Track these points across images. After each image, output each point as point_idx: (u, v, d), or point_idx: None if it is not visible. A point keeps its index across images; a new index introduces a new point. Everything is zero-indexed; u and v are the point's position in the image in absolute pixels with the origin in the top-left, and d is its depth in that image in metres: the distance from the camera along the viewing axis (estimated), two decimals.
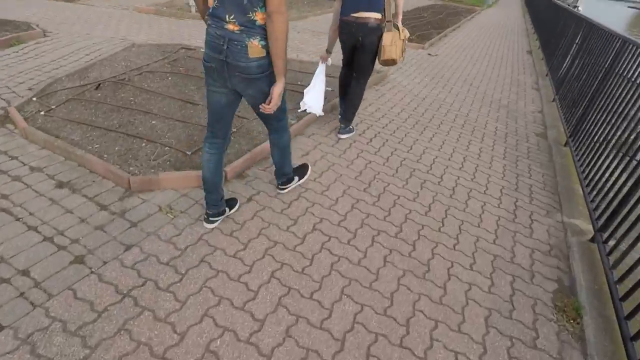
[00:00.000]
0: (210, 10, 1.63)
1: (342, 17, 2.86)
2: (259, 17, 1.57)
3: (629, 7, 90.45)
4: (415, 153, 3.34)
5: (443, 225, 2.47)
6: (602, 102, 3.29)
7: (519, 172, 3.32)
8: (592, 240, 2.50)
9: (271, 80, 1.72)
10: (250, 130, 3.13)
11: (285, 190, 2.49)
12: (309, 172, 2.62)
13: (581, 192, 3.05)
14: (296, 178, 2.50)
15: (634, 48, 3.06)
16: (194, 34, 6.31)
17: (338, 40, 3.06)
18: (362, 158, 3.12)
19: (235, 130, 3.06)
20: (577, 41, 5.33)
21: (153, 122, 3.05)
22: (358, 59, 3.01)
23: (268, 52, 1.65)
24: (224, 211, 2.15)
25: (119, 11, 7.34)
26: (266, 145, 2.86)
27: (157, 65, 4.26)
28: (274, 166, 2.40)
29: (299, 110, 3.20)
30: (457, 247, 2.31)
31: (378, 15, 2.77)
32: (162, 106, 3.34)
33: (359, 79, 3.11)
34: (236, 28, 1.59)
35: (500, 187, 3.02)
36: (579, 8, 34.28)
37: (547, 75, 6.72)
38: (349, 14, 2.80)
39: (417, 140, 3.59)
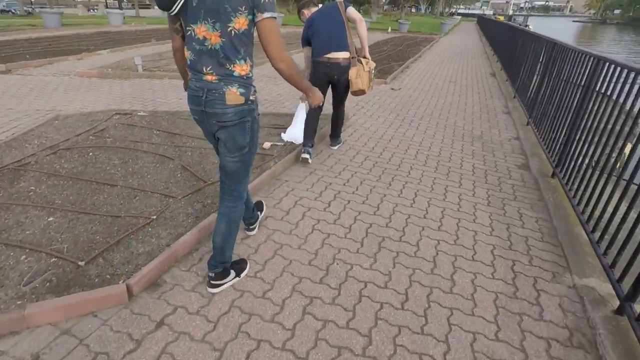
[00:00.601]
0: (189, 63, 1.61)
1: (315, 59, 3.24)
2: (237, 69, 1.57)
3: (573, 21, 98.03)
4: (383, 214, 2.77)
5: (427, 322, 1.85)
6: (589, 122, 2.85)
7: (508, 221, 2.78)
8: (619, 311, 1.93)
9: (246, 130, 1.68)
10: (174, 214, 2.52)
11: (217, 289, 1.93)
12: (247, 269, 2.10)
13: (585, 236, 2.52)
14: (232, 273, 1.98)
15: (611, 66, 2.68)
16: (137, 94, 5.81)
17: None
18: (319, 231, 2.53)
19: (154, 217, 2.44)
20: (541, 60, 5.06)
21: (50, 218, 2.40)
22: (336, 92, 3.48)
23: (247, 100, 1.62)
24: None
25: (58, 78, 6.82)
26: (192, 233, 2.26)
27: (79, 140, 3.67)
28: (212, 249, 1.92)
29: (282, 144, 3.61)
30: (448, 357, 1.68)
31: (346, 55, 3.19)
32: (69, 194, 2.70)
33: (339, 106, 3.61)
34: (214, 78, 1.57)
35: (490, 248, 2.45)
36: (529, 26, 36.40)
37: (514, 97, 6.46)
38: (321, 55, 3.19)
39: (384, 195, 3.04)
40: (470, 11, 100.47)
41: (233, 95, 1.57)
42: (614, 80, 2.61)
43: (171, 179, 2.99)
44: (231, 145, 1.68)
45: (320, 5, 3.36)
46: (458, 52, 13.71)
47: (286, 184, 3.13)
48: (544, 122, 4.08)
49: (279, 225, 2.55)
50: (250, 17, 1.49)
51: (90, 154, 3.37)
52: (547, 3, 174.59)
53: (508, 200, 3.09)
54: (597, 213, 2.39)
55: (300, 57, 4.24)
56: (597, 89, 2.88)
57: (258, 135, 1.79)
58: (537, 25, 52.87)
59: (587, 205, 2.56)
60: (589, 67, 3.09)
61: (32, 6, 27.35)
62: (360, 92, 3.28)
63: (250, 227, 2.37)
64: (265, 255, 2.24)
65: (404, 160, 3.76)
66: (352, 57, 3.18)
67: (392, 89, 6.88)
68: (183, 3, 1.46)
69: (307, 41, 3.28)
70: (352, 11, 3.18)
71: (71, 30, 13.97)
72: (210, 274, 1.88)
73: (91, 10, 34.46)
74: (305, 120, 3.46)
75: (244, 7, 1.45)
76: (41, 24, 14.78)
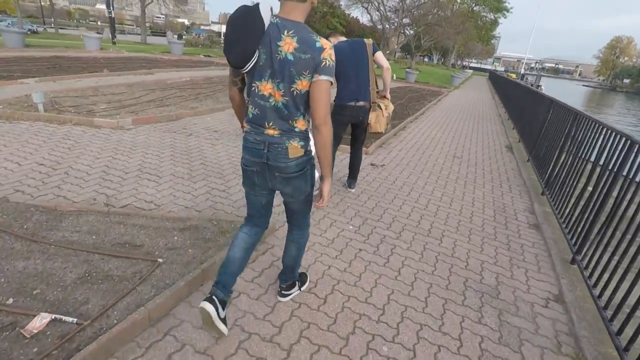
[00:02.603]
0: (250, 116, 1.65)
1: (342, 103, 3.35)
2: (299, 124, 1.63)
3: (583, 85, 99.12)
4: None
5: None
6: None
7: None
8: None
9: (307, 177, 1.76)
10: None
11: (287, 298, 2.21)
12: (307, 282, 2.36)
13: None
14: (297, 284, 2.25)
15: None
16: (17, 146, 3.98)
17: None
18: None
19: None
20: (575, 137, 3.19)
21: None
22: (357, 133, 3.67)
23: (306, 151, 1.69)
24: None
25: None
26: None
27: None
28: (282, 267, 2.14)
29: None
30: None
31: (368, 102, 3.38)
32: None
33: (359, 148, 3.76)
34: (276, 132, 1.62)
35: None
36: (542, 87, 35.35)
37: (543, 192, 4.55)
38: (349, 101, 3.34)
39: None
40: (482, 66, 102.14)
41: (295, 149, 1.64)
42: None
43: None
44: (295, 192, 1.78)
45: (343, 38, 3.44)
46: (468, 111, 12.05)
47: None
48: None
49: None
50: (312, 79, 1.54)
51: None
52: (557, 65, 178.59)
53: None
54: None
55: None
56: None
57: (315, 176, 1.85)
58: (549, 85, 52.48)
59: None
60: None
61: (34, 25, 26.62)
62: (378, 134, 3.57)
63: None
64: None
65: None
66: (373, 103, 3.35)
67: (372, 164, 5.01)
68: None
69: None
70: (380, 57, 3.30)
71: (26, 51, 12.47)
72: (282, 285, 2.18)
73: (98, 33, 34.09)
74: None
75: (307, 72, 1.51)
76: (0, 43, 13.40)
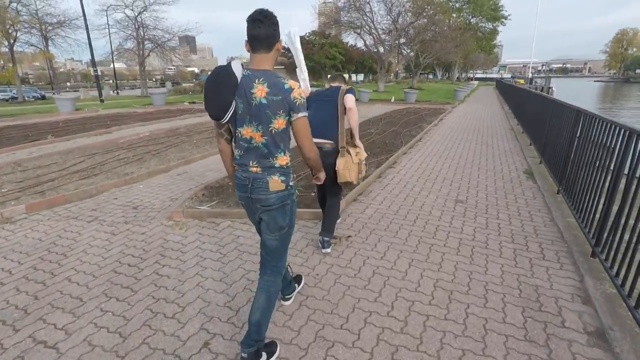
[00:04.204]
0: (237, 158, 1.84)
1: None
2: (279, 160, 1.80)
3: (595, 81, 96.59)
4: None
5: None
6: None
7: None
8: None
9: (286, 212, 1.86)
10: None
11: None
12: (277, 353, 2.05)
13: None
14: (264, 355, 1.96)
15: None
16: None
17: None
18: None
19: None
20: None
21: None
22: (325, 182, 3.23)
23: (287, 186, 1.83)
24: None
25: None
26: None
27: None
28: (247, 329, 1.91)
29: None
30: None
31: (331, 142, 3.01)
32: None
33: (330, 197, 3.26)
34: (259, 170, 1.80)
35: None
36: (552, 88, 33.55)
37: (593, 253, 2.96)
38: None
39: None
40: (488, 75, 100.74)
41: (275, 182, 1.80)
42: None
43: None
44: (273, 225, 1.88)
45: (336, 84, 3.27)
46: (475, 128, 10.50)
47: None
48: None
49: None
50: (287, 118, 1.73)
51: None
52: (564, 65, 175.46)
53: None
54: None
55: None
56: None
57: (295, 216, 1.97)
58: (560, 86, 50.46)
59: None
60: None
61: (39, 92, 26.96)
62: (348, 184, 3.12)
63: (286, 296, 2.45)
64: None
65: None
66: (342, 147, 3.04)
67: (334, 238, 3.52)
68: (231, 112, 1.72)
69: None
70: (347, 99, 3.02)
71: None
72: (244, 355, 1.88)
73: (113, 92, 34.76)
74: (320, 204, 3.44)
75: (281, 111, 1.71)
76: None
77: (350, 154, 3.05)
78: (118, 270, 2.96)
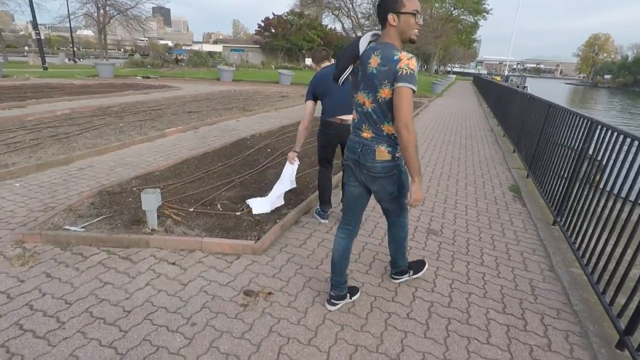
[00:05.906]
0: (354, 123, 2.02)
1: (327, 119, 3.09)
2: (386, 129, 1.89)
3: (566, 83, 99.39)
4: None
5: None
6: None
7: None
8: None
9: (394, 181, 1.99)
10: None
11: (398, 281, 2.52)
12: (425, 268, 2.59)
13: None
14: (410, 272, 2.52)
15: None
16: None
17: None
18: None
19: None
20: None
21: None
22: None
23: (394, 157, 1.93)
24: (345, 296, 2.24)
25: None
26: None
27: None
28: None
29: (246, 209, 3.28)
30: None
31: None
32: None
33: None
34: (369, 135, 1.93)
35: None
36: (527, 88, 33.76)
37: (620, 343, 1.94)
38: (334, 116, 3.06)
39: None
40: (465, 70, 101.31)
41: (382, 152, 1.91)
42: None
43: None
44: (382, 193, 2.04)
45: (333, 62, 3.23)
46: (452, 127, 9.53)
47: None
48: None
49: None
50: (392, 88, 1.79)
51: None
52: (538, 65, 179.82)
53: None
54: None
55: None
56: None
57: (408, 182, 1.96)
58: (533, 86, 51.04)
59: None
60: None
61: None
62: None
63: (334, 300, 2.27)
64: None
65: None
66: None
67: (246, 294, 2.35)
68: (350, 76, 1.92)
69: (313, 96, 3.12)
70: None
71: None
72: (391, 272, 2.54)
73: (70, 61, 31.81)
74: (319, 185, 3.41)
75: (387, 81, 1.79)
76: None
77: None
78: None
